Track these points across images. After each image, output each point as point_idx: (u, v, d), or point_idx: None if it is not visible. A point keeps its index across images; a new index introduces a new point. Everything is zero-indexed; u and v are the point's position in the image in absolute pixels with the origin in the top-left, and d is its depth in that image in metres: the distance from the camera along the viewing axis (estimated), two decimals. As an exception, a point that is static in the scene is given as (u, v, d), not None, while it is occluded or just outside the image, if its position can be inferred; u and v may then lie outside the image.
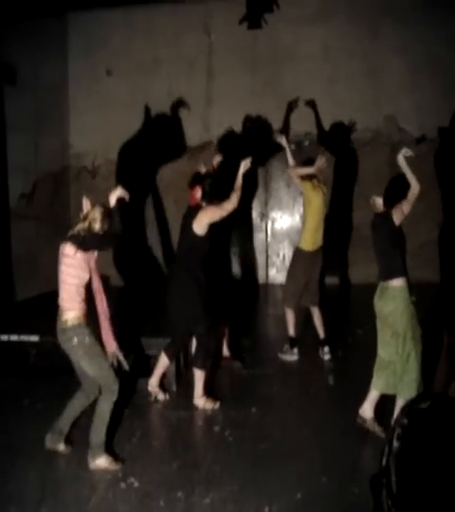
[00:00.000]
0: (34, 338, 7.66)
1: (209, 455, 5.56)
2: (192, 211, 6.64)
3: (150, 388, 6.89)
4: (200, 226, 6.50)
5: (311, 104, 11.69)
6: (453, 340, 5.90)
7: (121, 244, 5.75)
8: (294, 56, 11.84)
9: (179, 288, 6.62)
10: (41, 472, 5.28)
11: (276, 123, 11.87)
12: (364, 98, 11.59)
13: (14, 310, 9.64)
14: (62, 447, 5.60)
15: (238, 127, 12.08)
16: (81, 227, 5.32)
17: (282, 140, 8.15)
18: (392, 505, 1.87)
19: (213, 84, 12.24)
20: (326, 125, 11.80)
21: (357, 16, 11.67)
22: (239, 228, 11.98)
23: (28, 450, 5.69)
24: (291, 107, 11.80)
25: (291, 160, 8.07)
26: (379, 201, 5.90)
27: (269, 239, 12.50)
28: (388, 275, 5.78)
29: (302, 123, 11.82)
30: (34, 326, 8.10)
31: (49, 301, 10.37)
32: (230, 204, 6.54)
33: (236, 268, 12.50)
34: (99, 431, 5.34)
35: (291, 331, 8.08)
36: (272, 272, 12.40)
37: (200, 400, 6.61)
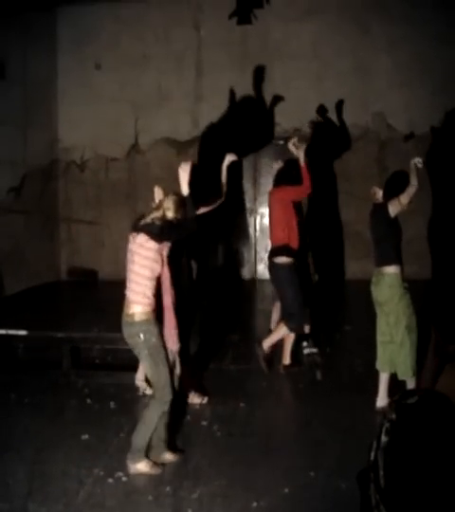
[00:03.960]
0: (22, 333, 7.64)
1: (197, 450, 5.55)
2: None
3: (137, 382, 6.87)
4: None
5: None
6: (440, 337, 5.93)
7: (196, 233, 5.56)
8: (283, 52, 11.84)
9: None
10: (28, 467, 5.26)
11: (264, 118, 11.87)
12: (353, 94, 11.61)
13: (2, 304, 9.61)
14: (168, 456, 5.35)
15: (226, 122, 12.06)
16: (154, 216, 5.07)
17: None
18: (380, 500, 1.88)
19: (202, 80, 12.22)
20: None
21: (346, 13, 11.68)
22: (228, 223, 11.96)
23: (16, 445, 5.67)
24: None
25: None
26: (379, 192, 6.26)
27: (258, 234, 12.51)
28: (382, 262, 6.14)
29: (291, 119, 11.81)
30: (22, 320, 8.10)
31: (37, 295, 10.41)
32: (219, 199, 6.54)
33: (225, 263, 12.50)
34: (142, 436, 5.13)
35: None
36: (260, 267, 12.40)
37: (188, 395, 6.61)
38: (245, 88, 11.89)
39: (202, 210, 6.49)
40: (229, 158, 6.79)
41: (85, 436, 5.84)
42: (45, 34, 12.14)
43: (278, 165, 7.52)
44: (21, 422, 6.19)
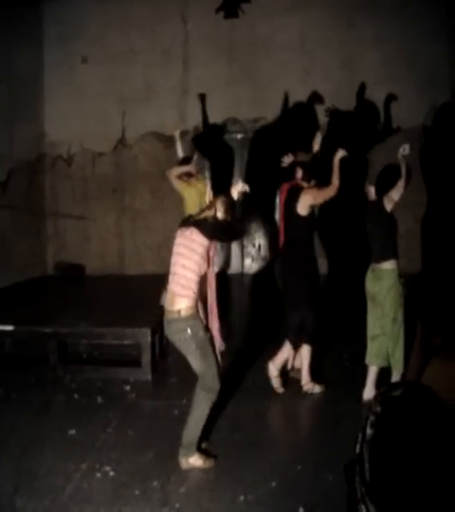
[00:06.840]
0: (9, 328, 7.62)
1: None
2: (293, 193, 6.65)
3: (271, 373, 6.83)
4: (304, 207, 6.53)
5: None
6: (426, 330, 5.97)
7: (241, 239, 5.52)
8: (270, 46, 11.82)
9: (297, 272, 6.65)
10: (15, 462, 5.25)
11: (251, 113, 11.86)
12: (340, 88, 11.59)
13: (-12, 300, 9.58)
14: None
15: (214, 117, 12.03)
16: (207, 214, 5.13)
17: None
18: (366, 492, 1.89)
19: (189, 74, 12.19)
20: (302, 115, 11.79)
21: (334, 7, 11.67)
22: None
23: (3, 440, 5.66)
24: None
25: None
26: (372, 189, 6.35)
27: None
28: (379, 258, 6.23)
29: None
30: (9, 315, 8.07)
31: (24, 290, 10.36)
32: (332, 189, 6.53)
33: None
34: (193, 430, 5.13)
35: None
36: (247, 262, 12.39)
37: (309, 385, 6.68)
38: (231, 82, 11.87)
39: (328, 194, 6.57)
40: (342, 153, 6.72)
41: (73, 431, 5.85)
42: (31, 29, 12.06)
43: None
44: (8, 417, 6.18)
